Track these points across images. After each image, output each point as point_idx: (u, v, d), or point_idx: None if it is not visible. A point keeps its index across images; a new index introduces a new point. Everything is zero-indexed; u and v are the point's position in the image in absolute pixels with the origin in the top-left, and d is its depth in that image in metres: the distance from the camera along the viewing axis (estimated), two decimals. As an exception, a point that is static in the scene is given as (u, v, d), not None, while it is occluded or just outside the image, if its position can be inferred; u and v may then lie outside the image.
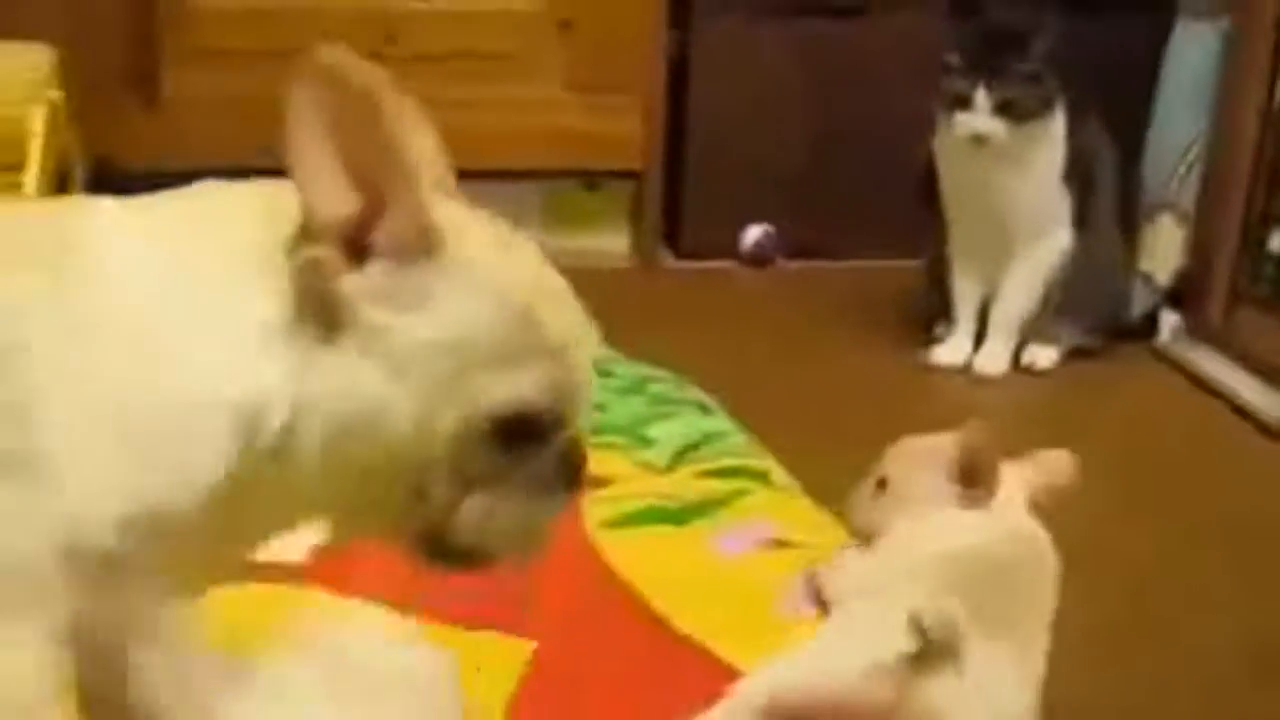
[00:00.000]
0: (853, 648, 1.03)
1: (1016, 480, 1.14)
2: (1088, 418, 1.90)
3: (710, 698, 1.12)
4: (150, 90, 2.35)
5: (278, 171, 0.71)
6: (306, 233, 0.70)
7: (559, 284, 0.77)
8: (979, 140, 1.97)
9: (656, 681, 1.16)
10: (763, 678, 1.07)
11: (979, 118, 1.96)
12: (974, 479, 1.12)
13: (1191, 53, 2.12)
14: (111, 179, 2.15)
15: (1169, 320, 2.15)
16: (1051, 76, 1.96)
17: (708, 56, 2.51)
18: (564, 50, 2.45)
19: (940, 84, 1.99)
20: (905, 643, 0.95)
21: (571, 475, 0.77)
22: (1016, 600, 1.05)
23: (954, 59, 1.98)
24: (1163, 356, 2.10)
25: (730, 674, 1.16)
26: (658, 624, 1.24)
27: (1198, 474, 1.73)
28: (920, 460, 1.18)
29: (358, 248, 0.71)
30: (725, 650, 1.19)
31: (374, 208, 0.71)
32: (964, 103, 1.96)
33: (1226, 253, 2.06)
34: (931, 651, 0.95)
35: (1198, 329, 2.11)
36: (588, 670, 1.17)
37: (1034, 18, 1.97)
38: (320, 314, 0.70)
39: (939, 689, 0.96)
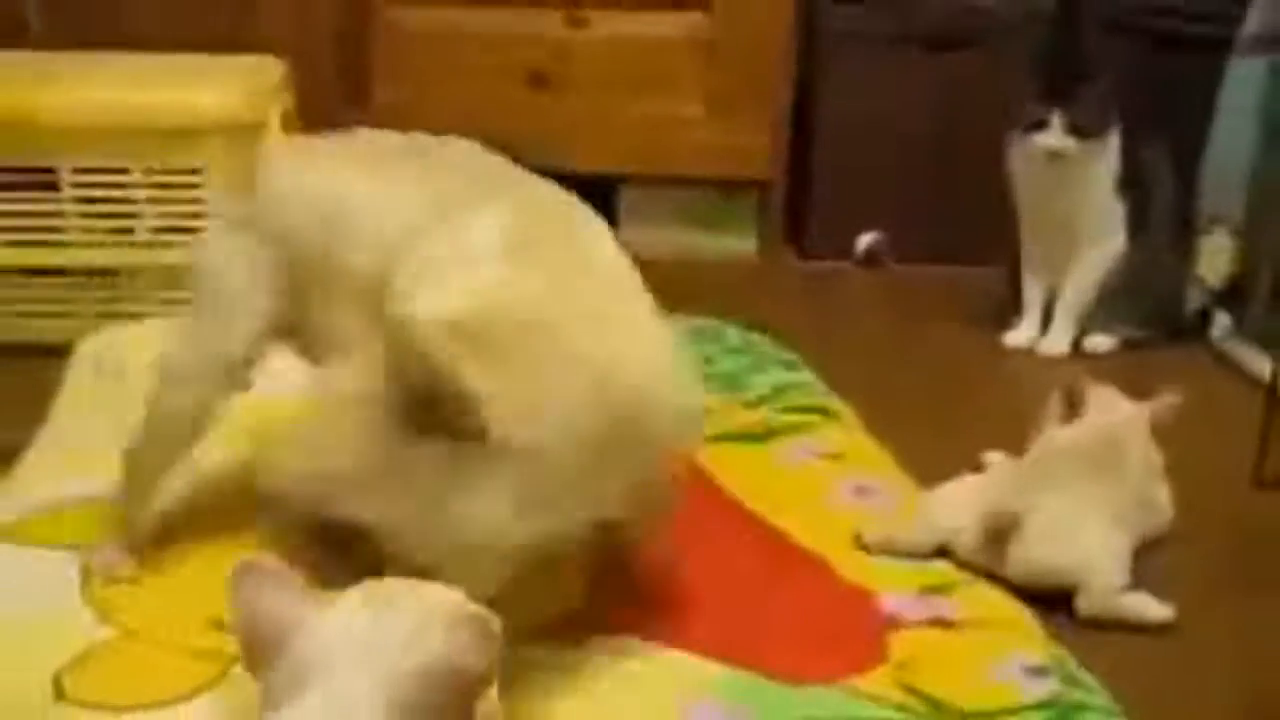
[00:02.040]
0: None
1: (1129, 407, 1.65)
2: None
3: (763, 552, 1.51)
4: (362, 100, 2.81)
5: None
6: None
7: None
8: (1054, 156, 2.30)
9: (727, 542, 1.53)
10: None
11: (1054, 136, 2.29)
12: (1072, 407, 1.62)
13: (1245, 84, 2.42)
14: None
15: (1221, 320, 2.45)
16: (1112, 101, 2.29)
17: (833, 82, 2.85)
18: (704, 73, 2.84)
19: (1014, 110, 2.32)
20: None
21: None
22: (1096, 470, 1.54)
23: (1031, 87, 2.31)
24: (1211, 350, 2.40)
25: (782, 538, 1.54)
26: (734, 505, 1.62)
27: (1221, 435, 1.98)
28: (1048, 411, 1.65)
29: None
30: (783, 523, 1.57)
31: None
32: (1041, 125, 2.30)
33: (1270, 263, 2.35)
34: (992, 527, 1.49)
35: (1244, 327, 2.39)
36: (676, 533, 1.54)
37: (1099, 53, 2.31)
38: None
39: (1015, 542, 1.48)
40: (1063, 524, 1.49)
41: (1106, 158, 2.32)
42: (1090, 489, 1.53)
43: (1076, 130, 2.28)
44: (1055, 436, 1.61)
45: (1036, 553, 1.48)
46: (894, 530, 1.55)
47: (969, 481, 1.62)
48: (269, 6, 2.68)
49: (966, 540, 1.51)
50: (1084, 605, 1.46)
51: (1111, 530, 1.51)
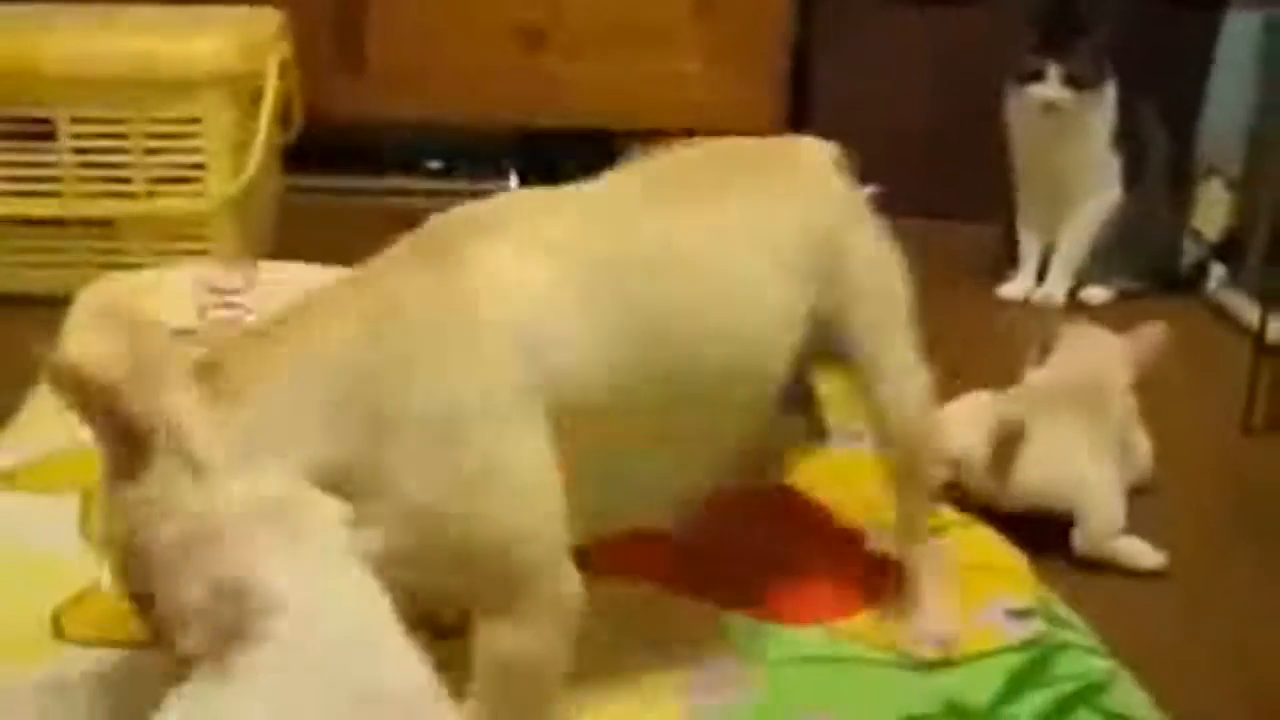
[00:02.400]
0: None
1: (1110, 341, 1.68)
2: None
3: (759, 498, 1.52)
4: (357, 54, 2.81)
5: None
6: None
7: None
8: (1050, 108, 2.30)
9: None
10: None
11: (1051, 87, 2.30)
12: (1043, 353, 1.66)
13: (1241, 39, 2.43)
14: (324, 125, 2.61)
15: (1217, 272, 2.45)
16: (1106, 53, 2.29)
17: (831, 35, 2.86)
18: (702, 29, 2.84)
19: (1014, 61, 2.33)
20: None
21: None
22: (1079, 408, 1.57)
23: (1029, 38, 2.31)
24: (1206, 303, 2.41)
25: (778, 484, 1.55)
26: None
27: (1214, 386, 2.02)
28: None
29: None
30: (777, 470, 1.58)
31: None
32: (1038, 76, 2.30)
33: (1267, 216, 2.36)
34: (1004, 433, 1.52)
35: (1239, 280, 2.40)
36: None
37: (1094, 6, 2.31)
38: None
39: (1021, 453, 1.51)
40: (1057, 448, 1.52)
41: (1102, 110, 2.33)
42: (1076, 423, 1.55)
43: (1073, 81, 2.29)
44: (1035, 377, 1.65)
45: (1035, 474, 1.51)
46: None
47: (962, 403, 1.62)
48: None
49: (977, 458, 1.53)
50: (1080, 541, 1.47)
51: (1104, 463, 1.52)
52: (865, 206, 1.34)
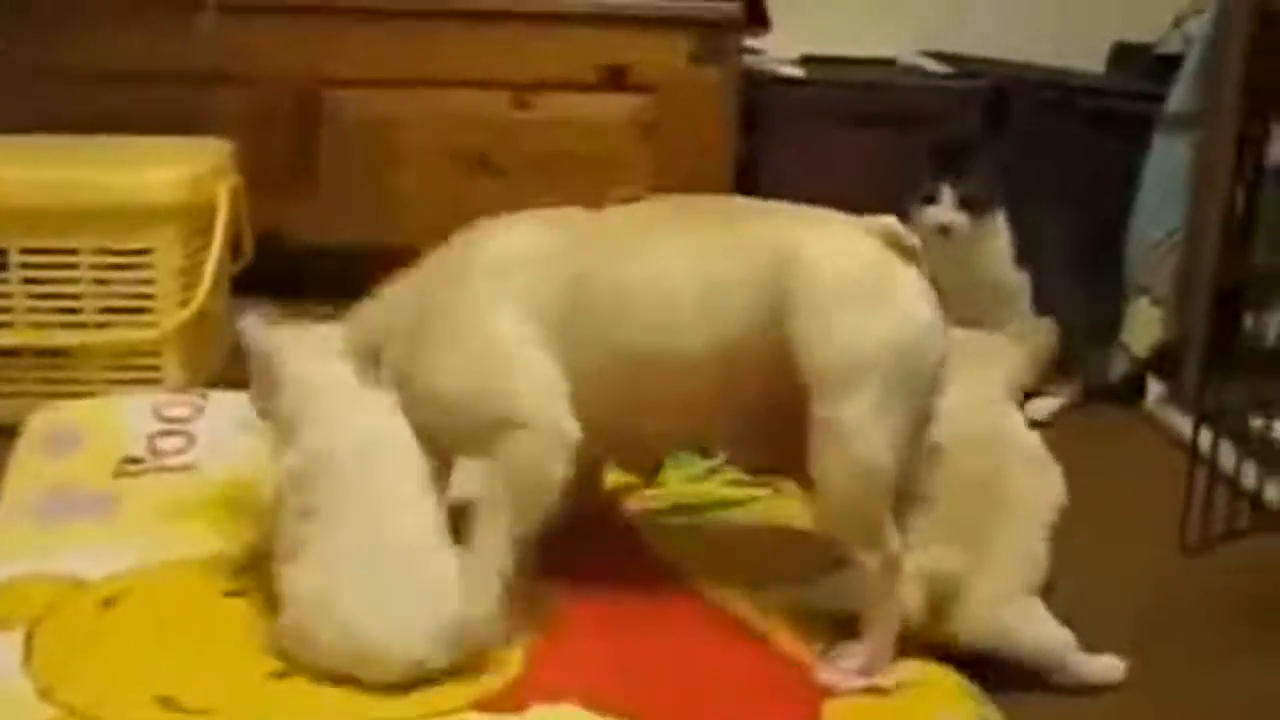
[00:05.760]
0: None
1: None
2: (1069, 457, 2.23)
3: (701, 624, 1.54)
4: (309, 181, 2.84)
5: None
6: None
7: None
8: (945, 230, 2.36)
9: (665, 612, 1.56)
10: None
11: (945, 210, 2.35)
12: None
13: (1166, 161, 2.50)
14: (276, 250, 2.64)
15: (1155, 387, 2.51)
16: (998, 180, 2.38)
17: (776, 162, 2.93)
18: (648, 154, 2.90)
19: (913, 186, 2.38)
20: None
21: None
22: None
23: (925, 163, 2.39)
24: (1145, 417, 2.47)
25: (720, 610, 1.57)
26: (672, 576, 1.65)
27: (1151, 500, 2.05)
28: None
29: None
30: (720, 595, 1.60)
31: None
32: (932, 198, 2.37)
33: (1197, 332, 2.42)
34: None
35: (1176, 395, 2.46)
36: (606, 611, 1.56)
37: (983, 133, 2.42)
38: None
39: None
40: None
41: (996, 233, 2.39)
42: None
43: (966, 204, 2.35)
44: None
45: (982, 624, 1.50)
46: None
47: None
48: (218, 90, 2.72)
49: (912, 610, 1.49)
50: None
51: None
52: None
